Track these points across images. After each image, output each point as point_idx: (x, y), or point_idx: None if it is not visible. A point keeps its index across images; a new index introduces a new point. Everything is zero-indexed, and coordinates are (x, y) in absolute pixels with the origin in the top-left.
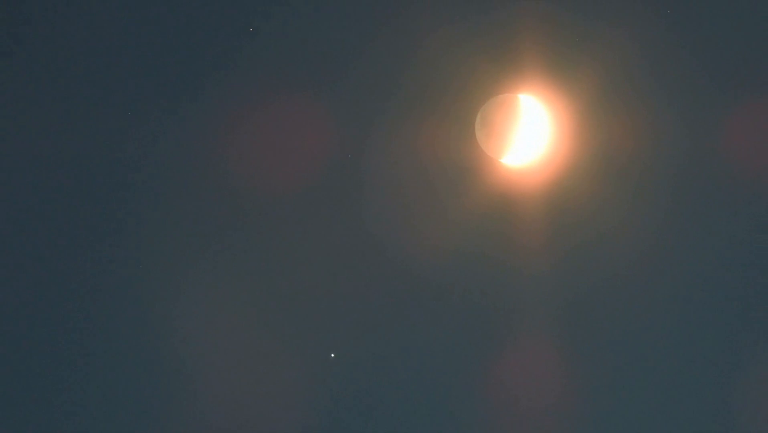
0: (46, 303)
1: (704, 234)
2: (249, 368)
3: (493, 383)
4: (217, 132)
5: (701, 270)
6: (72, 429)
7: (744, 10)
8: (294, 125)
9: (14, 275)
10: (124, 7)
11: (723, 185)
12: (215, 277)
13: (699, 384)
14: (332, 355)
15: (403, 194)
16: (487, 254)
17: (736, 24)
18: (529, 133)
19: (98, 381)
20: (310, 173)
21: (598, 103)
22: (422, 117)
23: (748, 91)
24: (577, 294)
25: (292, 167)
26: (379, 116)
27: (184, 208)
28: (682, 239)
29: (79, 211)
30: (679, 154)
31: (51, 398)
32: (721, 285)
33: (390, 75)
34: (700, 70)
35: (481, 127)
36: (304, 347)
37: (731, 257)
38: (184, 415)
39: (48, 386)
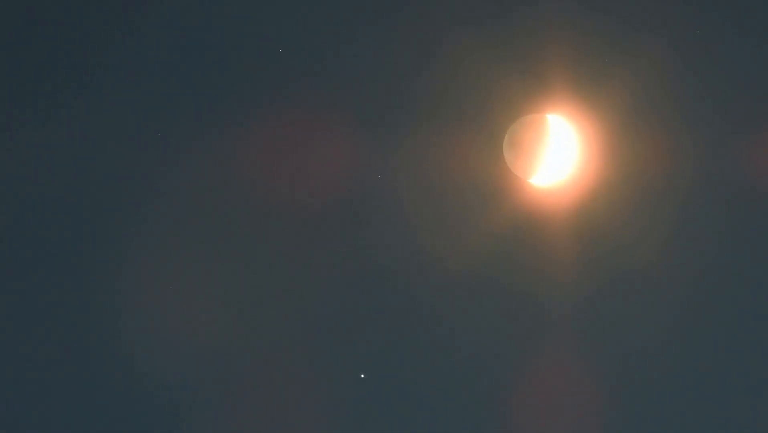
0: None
1: (737, 255)
2: (277, 390)
3: (520, 401)
4: (242, 149)
5: (734, 291)
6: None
7: None
8: (323, 145)
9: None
10: (149, 22)
11: (756, 206)
12: (241, 295)
13: (725, 401)
14: (362, 375)
15: (431, 215)
16: (516, 275)
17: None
18: (557, 154)
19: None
20: (337, 192)
21: (627, 124)
22: (450, 137)
23: None
24: (606, 317)
25: (321, 186)
26: (407, 137)
27: (210, 226)
28: (715, 261)
29: (102, 233)
30: (710, 174)
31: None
32: (756, 307)
33: (419, 96)
34: (731, 89)
35: (510, 148)
36: (332, 368)
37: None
38: None
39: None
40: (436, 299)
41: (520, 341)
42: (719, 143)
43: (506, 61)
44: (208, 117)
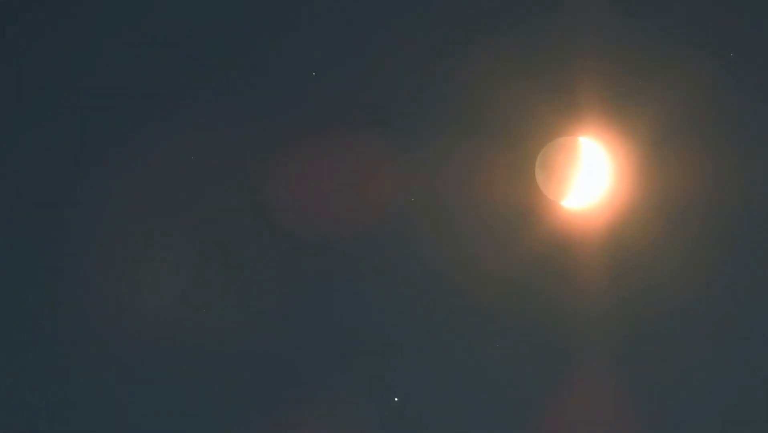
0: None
1: None
2: (309, 413)
3: (556, 424)
4: (275, 172)
5: None
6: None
7: None
8: (356, 169)
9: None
10: (181, 42)
11: None
12: (274, 316)
13: (759, 415)
14: (395, 399)
15: (463, 238)
16: (548, 298)
17: None
18: (589, 176)
19: None
20: (370, 215)
21: (660, 146)
22: (482, 160)
23: None
24: (639, 339)
25: (355, 209)
26: (440, 160)
27: (243, 249)
28: (749, 286)
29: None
30: (744, 197)
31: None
32: None
33: (451, 119)
34: (766, 112)
35: (542, 170)
36: (365, 391)
37: None
38: None
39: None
40: (468, 322)
41: (553, 363)
42: (754, 166)
43: (539, 83)
44: (241, 137)
